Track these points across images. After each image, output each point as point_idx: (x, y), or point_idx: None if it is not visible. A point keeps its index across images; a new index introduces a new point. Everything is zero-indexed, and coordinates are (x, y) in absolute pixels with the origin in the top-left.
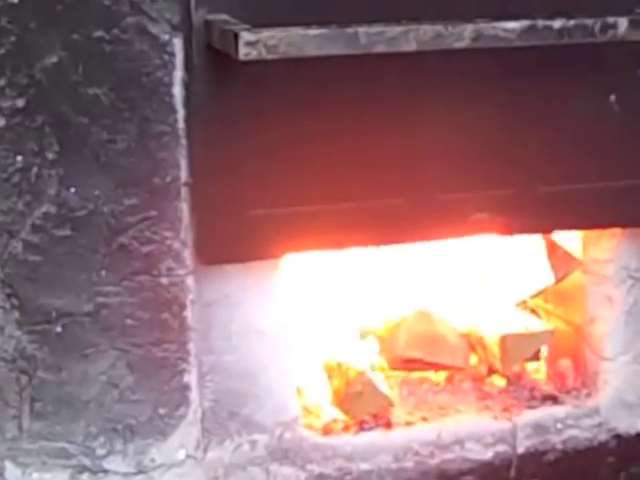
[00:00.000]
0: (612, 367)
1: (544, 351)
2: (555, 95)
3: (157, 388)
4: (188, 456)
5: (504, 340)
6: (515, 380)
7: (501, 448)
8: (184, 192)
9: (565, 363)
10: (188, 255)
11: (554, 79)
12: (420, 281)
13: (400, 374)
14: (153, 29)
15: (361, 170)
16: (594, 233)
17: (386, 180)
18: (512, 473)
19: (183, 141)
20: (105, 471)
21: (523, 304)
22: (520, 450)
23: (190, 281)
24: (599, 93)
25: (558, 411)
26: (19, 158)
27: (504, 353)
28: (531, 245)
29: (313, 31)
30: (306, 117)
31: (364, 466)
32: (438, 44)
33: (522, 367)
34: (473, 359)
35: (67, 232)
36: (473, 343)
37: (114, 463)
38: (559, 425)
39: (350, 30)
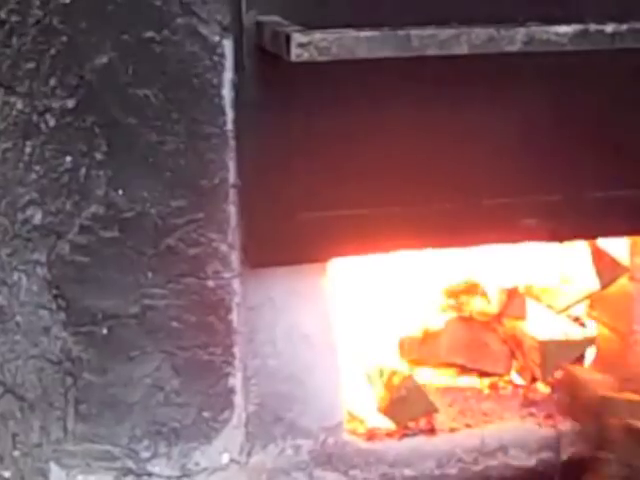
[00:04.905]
0: None
1: (588, 358)
2: (605, 101)
3: (202, 391)
4: (232, 460)
5: (543, 346)
6: (559, 387)
7: (545, 455)
8: (232, 194)
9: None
10: (235, 258)
11: (603, 85)
12: (464, 285)
13: (444, 381)
14: (203, 30)
15: (410, 174)
16: None
17: (434, 185)
18: None
19: (232, 143)
20: (149, 474)
21: (568, 310)
22: (564, 457)
23: (236, 284)
24: None
25: None
26: (68, 159)
27: (543, 360)
28: (577, 251)
29: (365, 33)
30: (356, 120)
31: (407, 472)
32: (490, 47)
33: None
34: (515, 366)
35: (114, 233)
36: (514, 349)
37: (158, 466)
38: None
39: (402, 32)
